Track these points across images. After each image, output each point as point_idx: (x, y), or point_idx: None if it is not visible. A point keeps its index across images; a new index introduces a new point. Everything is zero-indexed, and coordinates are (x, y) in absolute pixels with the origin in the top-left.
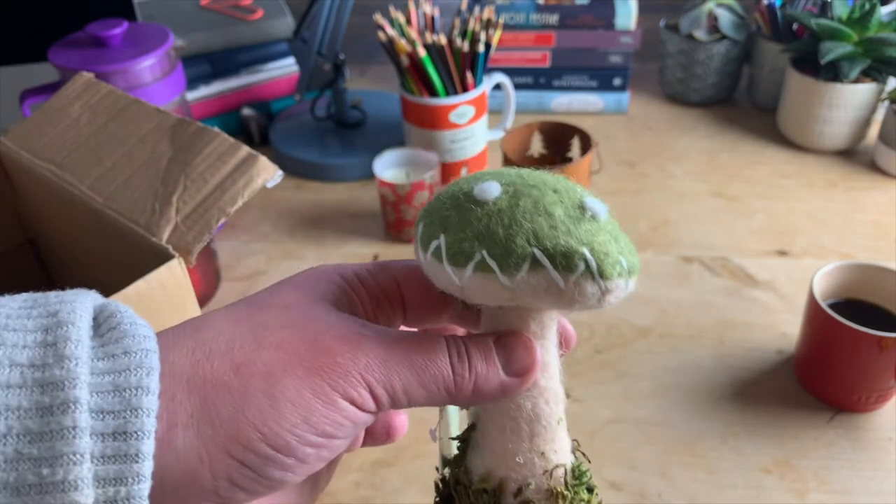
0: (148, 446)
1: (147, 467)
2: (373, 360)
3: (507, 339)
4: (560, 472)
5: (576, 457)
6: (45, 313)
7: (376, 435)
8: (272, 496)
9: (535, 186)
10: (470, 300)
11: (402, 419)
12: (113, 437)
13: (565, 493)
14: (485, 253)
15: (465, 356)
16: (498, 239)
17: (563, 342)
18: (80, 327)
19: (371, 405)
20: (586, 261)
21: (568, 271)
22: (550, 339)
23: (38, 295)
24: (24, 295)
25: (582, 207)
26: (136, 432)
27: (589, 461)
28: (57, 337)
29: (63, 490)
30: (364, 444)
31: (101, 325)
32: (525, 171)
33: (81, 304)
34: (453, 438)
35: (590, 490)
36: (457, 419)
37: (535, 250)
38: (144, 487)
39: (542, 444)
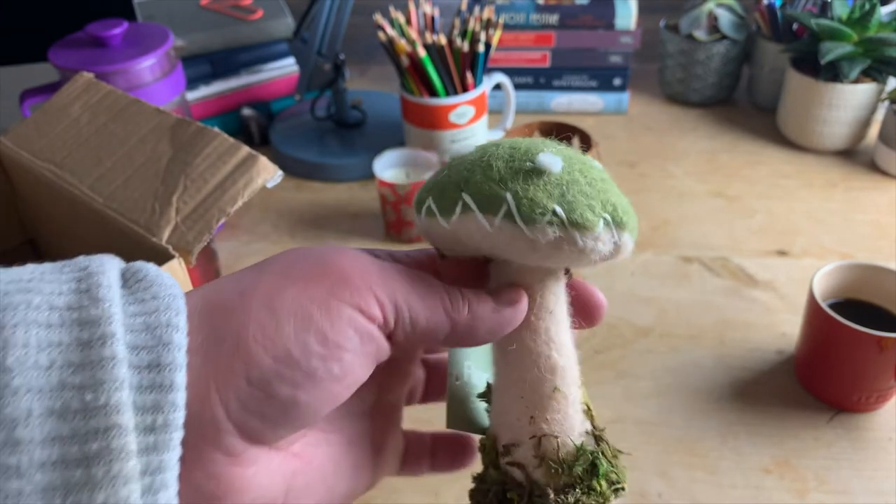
0: (181, 378)
1: (181, 397)
2: (375, 275)
3: (494, 288)
4: (551, 443)
5: (599, 445)
6: (75, 269)
7: (440, 461)
8: (325, 458)
9: (499, 146)
10: (432, 244)
11: (472, 446)
12: (148, 369)
13: (557, 468)
14: (430, 200)
15: (456, 289)
16: (441, 188)
17: (585, 307)
18: (111, 277)
19: (376, 311)
20: (508, 204)
21: (492, 214)
22: (543, 306)
23: (65, 261)
24: (50, 263)
25: (532, 162)
26: (169, 364)
27: (615, 452)
28: (90, 284)
29: (106, 413)
30: (435, 468)
31: (129, 279)
32: (515, 139)
33: (109, 261)
34: (479, 396)
35: (610, 483)
36: (479, 377)
37: (464, 195)
38: (179, 416)
39: (531, 409)
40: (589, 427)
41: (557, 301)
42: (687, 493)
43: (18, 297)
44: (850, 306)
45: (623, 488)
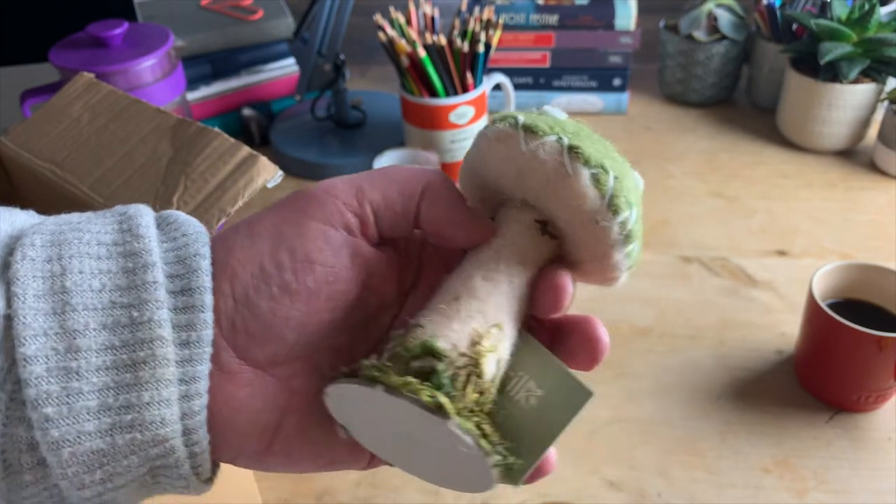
0: (209, 299)
1: (210, 316)
2: (339, 185)
3: None
4: (413, 332)
5: (460, 370)
6: (115, 213)
7: None
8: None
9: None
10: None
11: None
12: (181, 293)
13: (400, 353)
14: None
15: None
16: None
17: (550, 293)
18: (147, 219)
19: (347, 217)
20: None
21: (480, 131)
22: (496, 239)
23: (104, 210)
24: (91, 212)
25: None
26: (198, 288)
27: (487, 425)
28: (130, 225)
29: (150, 327)
30: None
31: (161, 223)
32: None
33: (143, 207)
34: None
35: (438, 387)
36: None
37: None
38: (209, 333)
39: (425, 310)
40: (466, 351)
41: (512, 247)
42: (686, 493)
43: (71, 234)
44: (850, 306)
45: (440, 416)
